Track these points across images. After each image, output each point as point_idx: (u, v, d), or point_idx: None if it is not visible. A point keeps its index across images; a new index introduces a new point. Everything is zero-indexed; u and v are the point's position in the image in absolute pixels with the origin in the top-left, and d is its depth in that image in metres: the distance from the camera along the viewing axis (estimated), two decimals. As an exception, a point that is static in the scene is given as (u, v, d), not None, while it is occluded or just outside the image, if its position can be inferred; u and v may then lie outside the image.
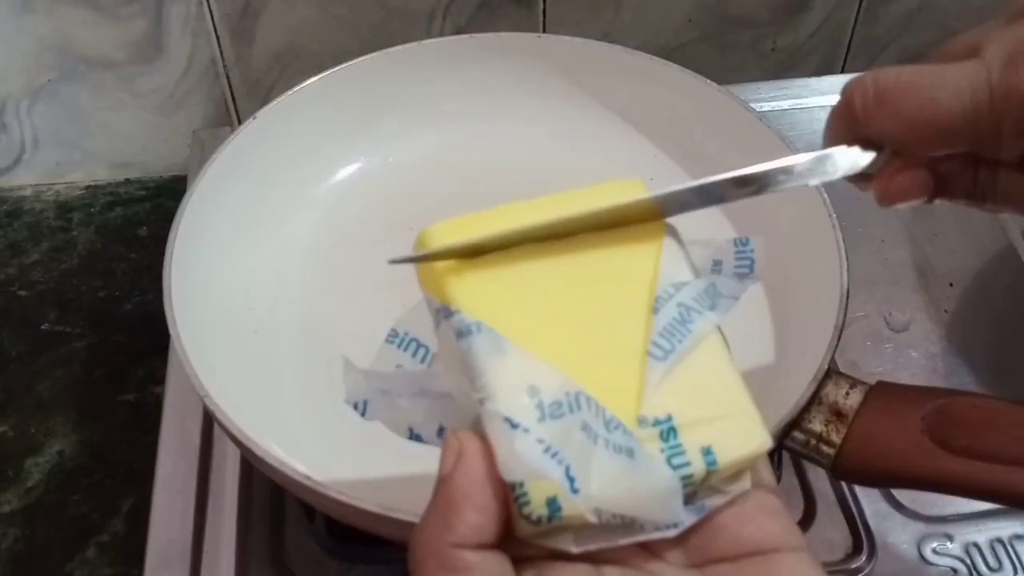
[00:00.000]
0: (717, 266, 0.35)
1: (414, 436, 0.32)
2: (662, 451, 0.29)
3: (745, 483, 0.30)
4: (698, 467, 0.29)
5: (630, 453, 0.29)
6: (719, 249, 0.35)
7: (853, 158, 0.37)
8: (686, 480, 0.29)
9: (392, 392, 0.31)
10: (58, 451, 0.60)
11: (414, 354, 0.32)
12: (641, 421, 0.30)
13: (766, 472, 0.31)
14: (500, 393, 0.29)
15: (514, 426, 0.28)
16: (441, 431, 0.32)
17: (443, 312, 0.31)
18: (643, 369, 0.31)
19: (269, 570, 0.51)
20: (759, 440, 0.30)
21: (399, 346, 0.32)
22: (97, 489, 0.59)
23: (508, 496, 0.28)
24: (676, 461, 0.29)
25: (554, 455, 0.28)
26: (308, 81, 0.58)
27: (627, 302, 0.32)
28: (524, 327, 0.31)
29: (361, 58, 0.60)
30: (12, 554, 0.56)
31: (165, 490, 0.53)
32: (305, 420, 0.51)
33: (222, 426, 0.43)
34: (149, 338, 0.65)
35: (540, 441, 0.28)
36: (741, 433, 0.30)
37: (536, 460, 0.28)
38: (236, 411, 0.44)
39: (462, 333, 0.30)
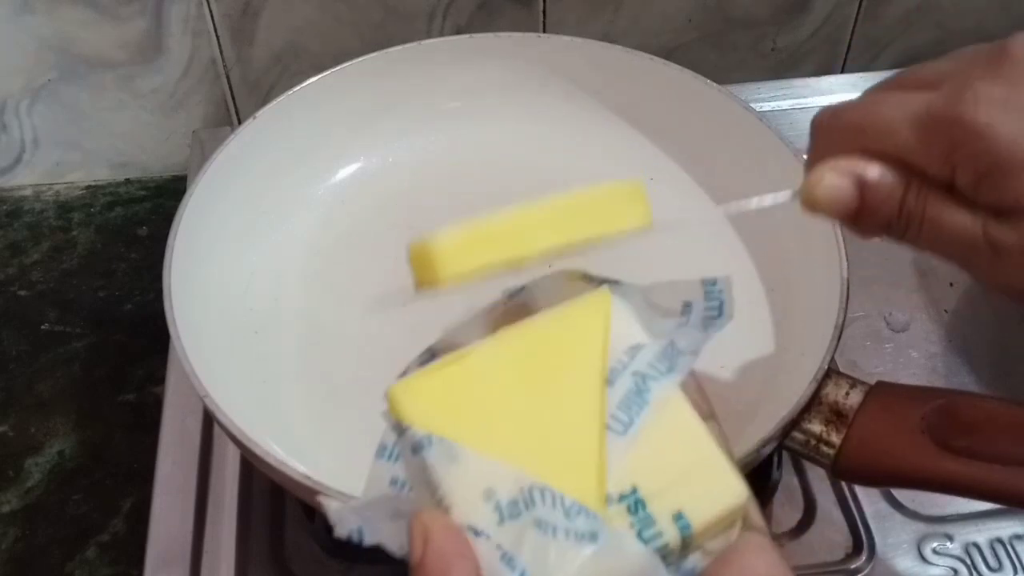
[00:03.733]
0: (687, 308, 0.34)
1: None
2: (632, 525, 0.29)
3: (731, 536, 0.30)
4: (671, 535, 0.29)
5: (593, 538, 0.28)
6: (688, 289, 0.34)
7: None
8: (661, 550, 0.29)
9: (373, 519, 0.31)
10: (58, 451, 0.60)
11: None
12: (608, 499, 0.30)
13: (755, 515, 0.31)
14: (459, 501, 0.29)
15: (477, 534, 0.29)
16: None
17: (398, 429, 0.31)
18: (602, 446, 0.30)
19: (269, 570, 0.51)
20: (733, 493, 0.30)
21: (388, 459, 0.32)
22: (97, 489, 0.59)
23: None
24: (647, 534, 0.29)
25: (509, 561, 0.28)
26: (308, 81, 0.58)
27: (579, 381, 0.32)
28: (477, 428, 0.31)
29: (361, 58, 0.60)
30: (12, 554, 0.56)
31: (165, 490, 0.53)
32: (305, 420, 0.51)
33: (222, 426, 0.43)
34: (149, 338, 0.65)
35: (498, 547, 0.28)
36: (713, 490, 0.30)
37: (494, 570, 0.28)
38: (236, 411, 0.44)
39: (416, 448, 0.31)
